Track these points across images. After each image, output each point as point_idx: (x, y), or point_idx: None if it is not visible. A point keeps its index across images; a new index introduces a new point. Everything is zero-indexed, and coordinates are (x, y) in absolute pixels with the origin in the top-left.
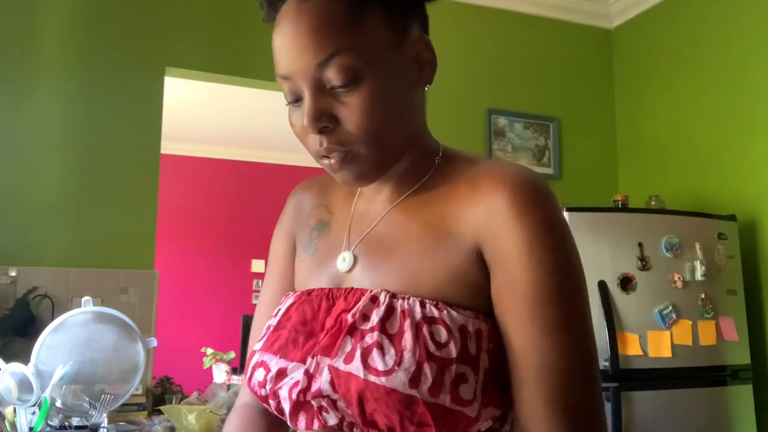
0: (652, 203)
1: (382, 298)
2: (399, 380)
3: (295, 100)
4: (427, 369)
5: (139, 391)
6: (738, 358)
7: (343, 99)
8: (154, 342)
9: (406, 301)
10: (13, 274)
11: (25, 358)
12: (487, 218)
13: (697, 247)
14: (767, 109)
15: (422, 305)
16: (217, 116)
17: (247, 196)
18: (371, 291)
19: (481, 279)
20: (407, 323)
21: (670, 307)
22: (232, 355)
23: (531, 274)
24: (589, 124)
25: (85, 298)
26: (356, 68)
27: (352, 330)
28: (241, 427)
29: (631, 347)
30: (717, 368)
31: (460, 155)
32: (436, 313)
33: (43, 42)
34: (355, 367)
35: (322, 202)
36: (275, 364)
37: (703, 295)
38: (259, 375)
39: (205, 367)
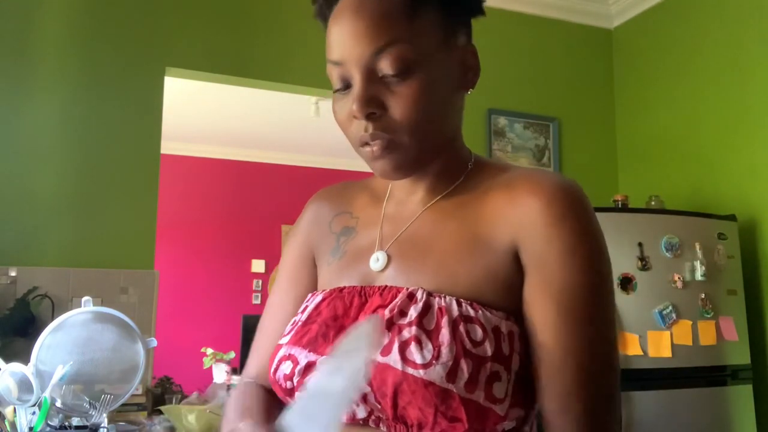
0: (652, 203)
1: (419, 295)
2: (437, 374)
3: (344, 87)
4: (463, 365)
5: (139, 391)
6: (738, 358)
7: (393, 88)
8: (154, 342)
9: (443, 299)
10: (13, 274)
11: (25, 358)
12: (525, 221)
13: (697, 247)
14: (767, 108)
15: (459, 304)
16: (217, 116)
17: (247, 196)
18: (408, 288)
19: (516, 280)
20: (444, 320)
21: (670, 307)
22: (232, 355)
23: (567, 276)
24: (589, 124)
25: (85, 298)
26: (409, 60)
27: (390, 324)
28: (241, 393)
29: (631, 347)
30: (717, 368)
31: (492, 162)
32: (472, 312)
33: (43, 42)
34: (393, 359)
35: (345, 209)
36: (304, 357)
37: (703, 295)
38: (286, 368)
39: (205, 367)
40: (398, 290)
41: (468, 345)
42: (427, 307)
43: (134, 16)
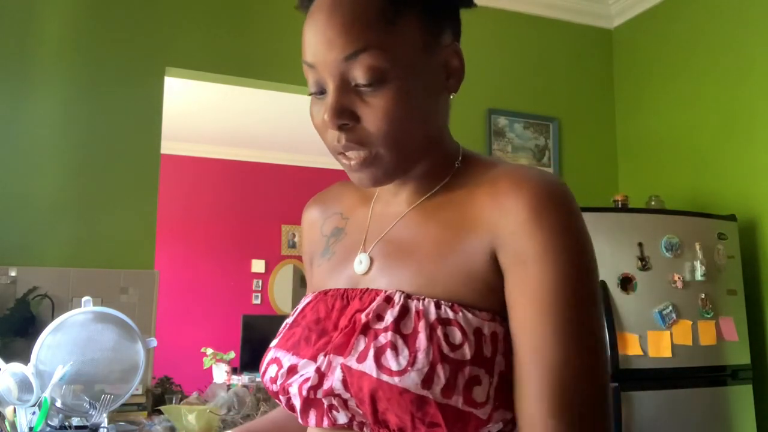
0: (652, 203)
1: (396, 298)
2: (412, 380)
3: (319, 91)
4: (440, 370)
5: (139, 391)
6: (738, 358)
7: (366, 98)
8: (154, 342)
9: (420, 302)
10: (13, 274)
11: (25, 358)
12: (503, 220)
13: (697, 247)
14: (767, 109)
15: (437, 306)
16: (217, 116)
17: (247, 196)
18: (386, 291)
19: (496, 280)
20: (421, 324)
21: (670, 307)
22: (232, 355)
23: (543, 276)
24: (589, 124)
25: (85, 298)
26: (382, 68)
27: (366, 329)
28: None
29: (631, 347)
30: (717, 368)
31: (480, 159)
32: (450, 314)
33: (44, 42)
34: (368, 366)
35: (336, 210)
36: (287, 360)
37: (703, 295)
38: (272, 371)
39: (205, 367)
40: (376, 293)
41: (445, 349)
42: (404, 311)
43: (134, 16)
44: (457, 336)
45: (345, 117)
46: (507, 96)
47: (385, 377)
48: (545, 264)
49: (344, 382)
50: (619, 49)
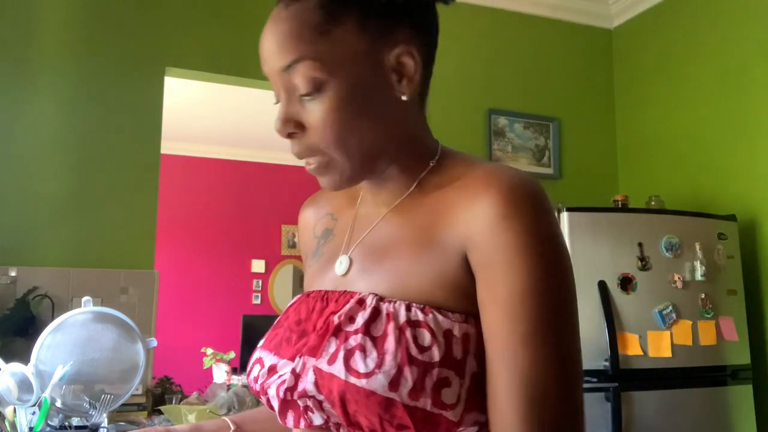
0: (652, 203)
1: (368, 300)
2: (379, 383)
3: (277, 101)
4: (407, 372)
5: (139, 391)
6: (738, 358)
7: (308, 107)
8: (154, 342)
9: (392, 304)
10: (13, 274)
11: (25, 358)
12: (474, 222)
13: (697, 247)
14: (767, 108)
15: (408, 309)
16: (217, 116)
17: (247, 196)
18: (359, 294)
19: (468, 282)
20: (391, 326)
21: (670, 307)
22: (232, 355)
23: (511, 280)
24: (589, 124)
25: (85, 298)
26: (318, 78)
27: (337, 331)
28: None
29: (631, 347)
30: (717, 368)
31: (459, 157)
32: (421, 316)
33: (44, 42)
34: (338, 368)
35: (328, 210)
36: (269, 360)
37: (703, 295)
38: (255, 371)
39: (205, 367)
40: (351, 296)
41: (414, 351)
42: (375, 313)
43: (134, 16)
44: (426, 338)
45: (290, 126)
46: (507, 96)
47: (353, 379)
48: (513, 268)
49: (316, 384)
50: (619, 49)
